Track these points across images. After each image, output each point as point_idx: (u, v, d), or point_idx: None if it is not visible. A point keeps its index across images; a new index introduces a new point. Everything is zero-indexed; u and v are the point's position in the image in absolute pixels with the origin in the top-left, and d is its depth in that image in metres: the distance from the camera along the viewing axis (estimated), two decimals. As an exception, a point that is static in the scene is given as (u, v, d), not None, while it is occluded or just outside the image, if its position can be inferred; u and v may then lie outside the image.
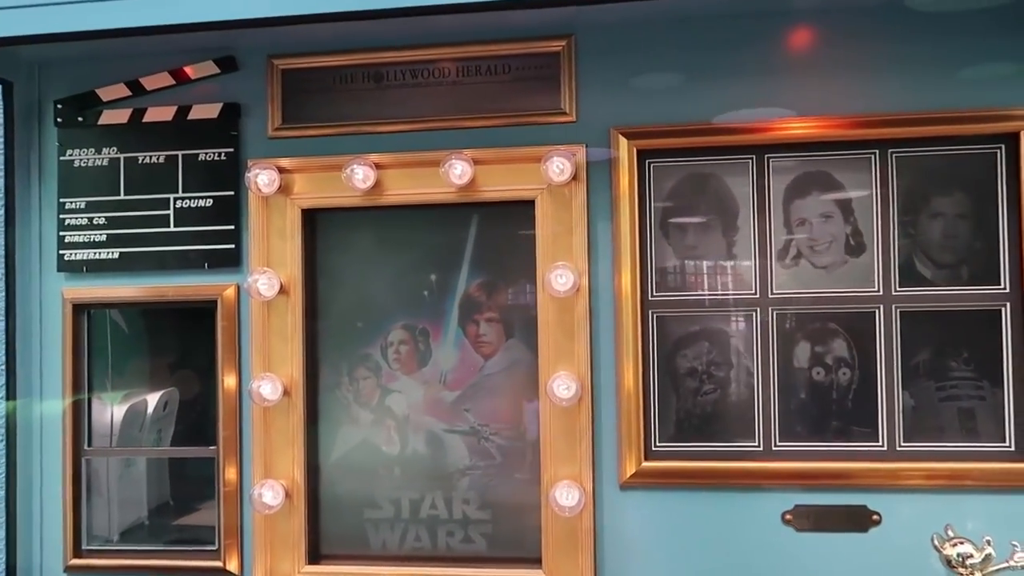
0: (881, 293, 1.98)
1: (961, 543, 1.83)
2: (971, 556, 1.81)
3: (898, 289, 1.97)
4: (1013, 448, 1.93)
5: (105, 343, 2.29)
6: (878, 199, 1.98)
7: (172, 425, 2.41)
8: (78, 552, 2.17)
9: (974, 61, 1.93)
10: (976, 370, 1.96)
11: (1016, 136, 1.90)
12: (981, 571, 1.81)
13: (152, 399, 2.37)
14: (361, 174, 1.99)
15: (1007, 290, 1.94)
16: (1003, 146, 1.93)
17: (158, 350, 2.45)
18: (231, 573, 2.09)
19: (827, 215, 2.00)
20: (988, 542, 1.81)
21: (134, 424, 2.32)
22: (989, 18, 1.92)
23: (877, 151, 1.98)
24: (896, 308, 1.97)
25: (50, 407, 2.19)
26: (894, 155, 1.98)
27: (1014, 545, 1.81)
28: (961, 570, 1.82)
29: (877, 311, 1.98)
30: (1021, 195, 1.91)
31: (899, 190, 1.98)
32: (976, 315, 1.96)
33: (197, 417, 2.36)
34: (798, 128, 1.98)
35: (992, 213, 1.95)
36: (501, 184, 2.02)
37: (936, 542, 1.85)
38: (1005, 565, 1.81)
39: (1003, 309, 1.94)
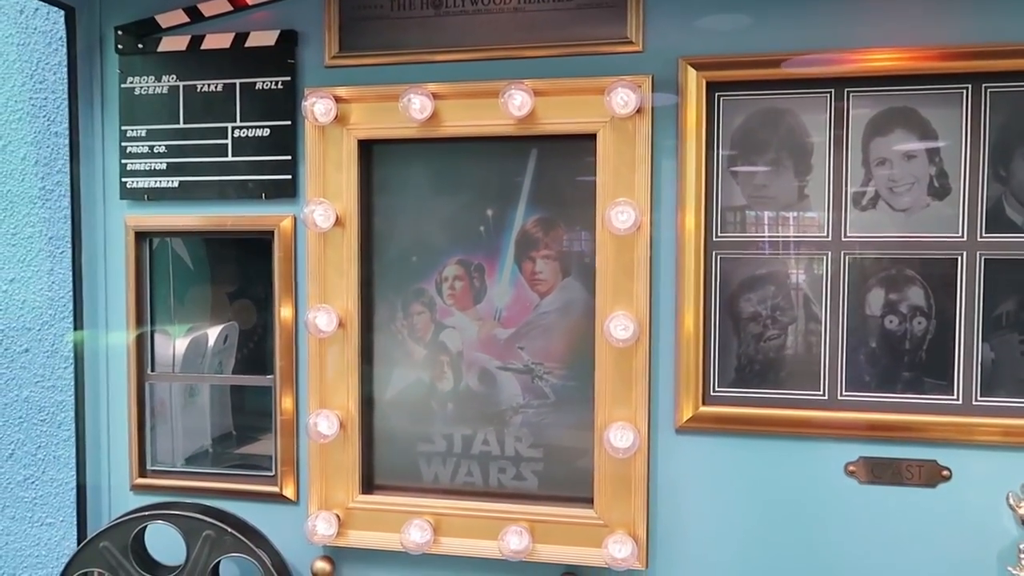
0: (965, 239, 1.85)
1: (1037, 503, 1.75)
2: (1047, 516, 1.74)
3: (984, 235, 1.84)
4: (1099, 406, 1.82)
5: (167, 275, 2.32)
6: (967, 138, 1.84)
7: (232, 358, 2.45)
8: (143, 472, 2.24)
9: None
10: (1065, 323, 1.84)
11: None
12: (1056, 533, 1.74)
13: (213, 332, 2.41)
14: (418, 104, 1.94)
15: (1104, 238, 1.80)
16: (1110, 80, 1.77)
17: (219, 281, 2.48)
18: (288, 498, 2.14)
19: (910, 154, 1.87)
20: (1067, 503, 1.73)
21: (195, 356, 2.36)
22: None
23: (970, 85, 1.83)
24: (981, 255, 1.84)
25: (115, 335, 2.24)
26: (988, 90, 1.82)
27: (1093, 506, 1.73)
28: (1035, 530, 1.75)
29: (960, 258, 1.85)
30: None
31: (992, 128, 1.83)
32: (1068, 264, 1.83)
33: (256, 349, 2.39)
34: (881, 60, 1.83)
35: (1094, 154, 1.80)
36: (562, 116, 1.94)
37: (1012, 500, 1.77)
38: (1083, 527, 1.73)
39: (1099, 258, 1.81)
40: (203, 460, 2.39)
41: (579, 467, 2.01)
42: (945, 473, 1.87)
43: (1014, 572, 1.75)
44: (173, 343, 2.33)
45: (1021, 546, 1.74)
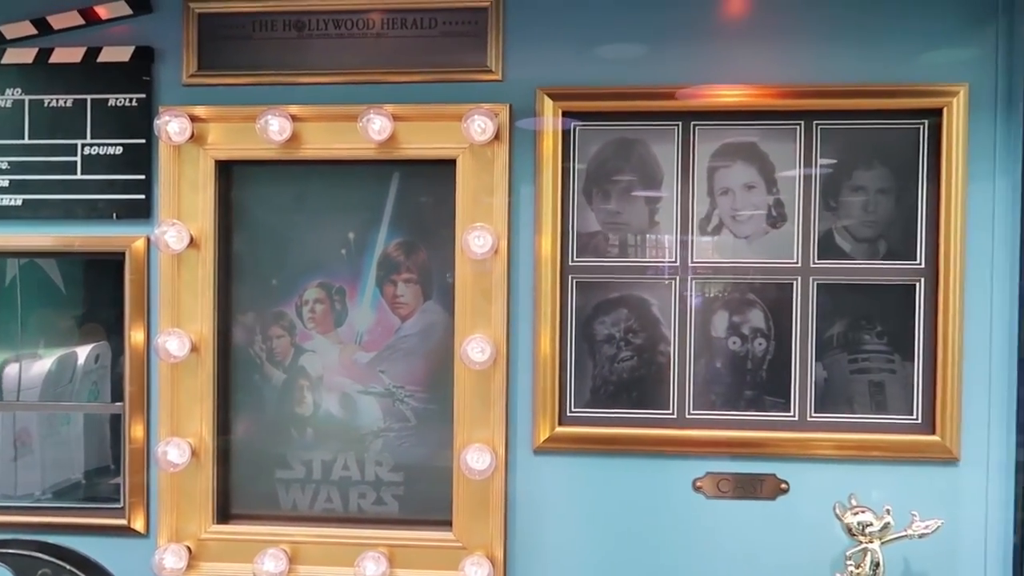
0: (800, 265, 1.98)
1: (862, 511, 1.87)
2: (870, 524, 1.85)
3: (816, 261, 1.98)
4: (920, 420, 1.96)
5: (13, 297, 2.20)
6: (801, 171, 1.98)
7: (108, 379, 2.31)
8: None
9: (901, 37, 1.92)
10: (889, 344, 1.98)
11: (939, 112, 1.91)
12: (880, 539, 1.86)
13: (83, 352, 2.29)
14: (276, 126, 1.93)
15: (922, 266, 1.95)
16: (926, 122, 1.94)
17: (68, 305, 2.36)
18: (136, 531, 2.05)
19: (750, 185, 1.99)
20: (887, 511, 1.86)
21: (61, 379, 2.25)
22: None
23: (802, 122, 1.97)
24: (814, 280, 1.98)
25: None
26: (819, 127, 1.97)
27: (913, 514, 1.86)
28: (861, 538, 1.86)
29: (795, 282, 1.98)
30: (940, 172, 1.92)
31: (822, 163, 1.97)
32: (891, 290, 1.97)
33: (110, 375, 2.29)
34: (725, 96, 1.96)
35: (912, 189, 1.96)
36: (423, 142, 1.97)
37: (837, 510, 1.88)
38: (903, 533, 1.85)
39: (917, 284, 1.96)
40: (74, 493, 2.26)
41: (439, 490, 2.02)
42: (784, 486, 1.98)
43: (842, 578, 1.87)
44: (19, 367, 2.21)
45: (847, 553, 1.86)
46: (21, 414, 2.16)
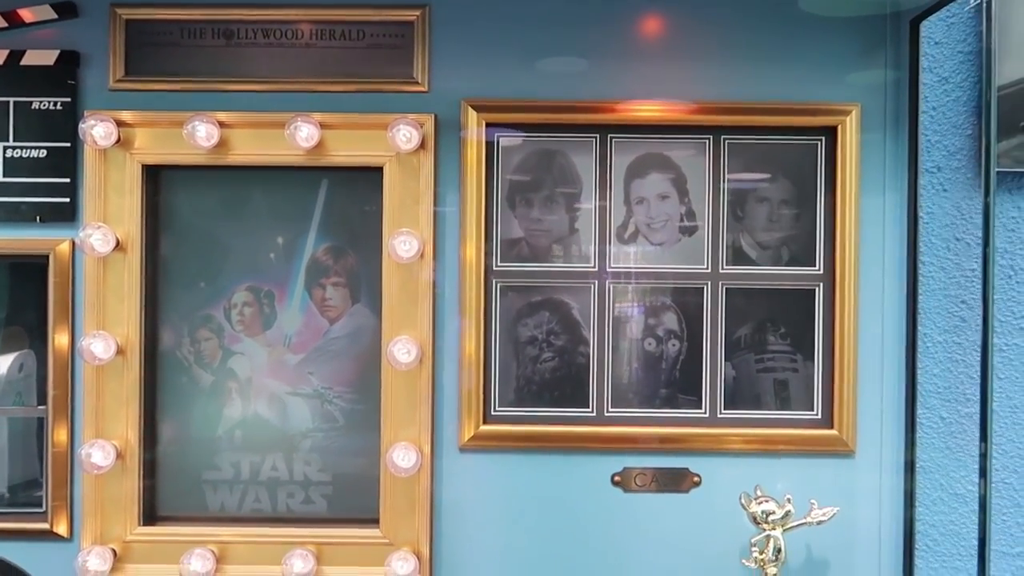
0: (710, 270, 2.11)
1: (765, 501, 2.00)
2: (773, 513, 1.98)
3: (725, 267, 2.11)
4: (820, 416, 2.11)
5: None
6: (710, 182, 2.11)
7: (33, 388, 2.22)
8: None
9: (801, 60, 2.07)
10: (791, 344, 2.12)
11: (834, 130, 2.06)
12: (782, 526, 1.99)
13: (4, 361, 2.22)
14: (204, 131, 1.96)
15: (821, 272, 2.10)
16: (823, 138, 2.09)
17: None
18: (60, 535, 2.04)
19: (664, 195, 2.11)
20: (788, 500, 1.99)
21: None
22: (820, 21, 2.06)
23: (711, 136, 2.10)
24: (723, 285, 2.11)
25: None
26: (726, 141, 2.10)
27: (812, 503, 2.00)
28: (765, 525, 1.99)
29: (706, 287, 2.11)
30: (836, 185, 2.07)
31: (729, 174, 2.11)
32: (793, 294, 2.11)
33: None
34: (640, 110, 2.07)
35: (811, 201, 2.11)
36: (350, 150, 2.02)
37: (743, 500, 2.01)
38: (803, 521, 1.99)
39: (817, 289, 2.10)
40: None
41: (367, 489, 2.07)
42: (696, 479, 2.10)
43: (747, 564, 1.99)
44: None
45: (752, 540, 1.99)
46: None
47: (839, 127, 2.05)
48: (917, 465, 2.10)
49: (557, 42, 2.07)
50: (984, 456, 1.88)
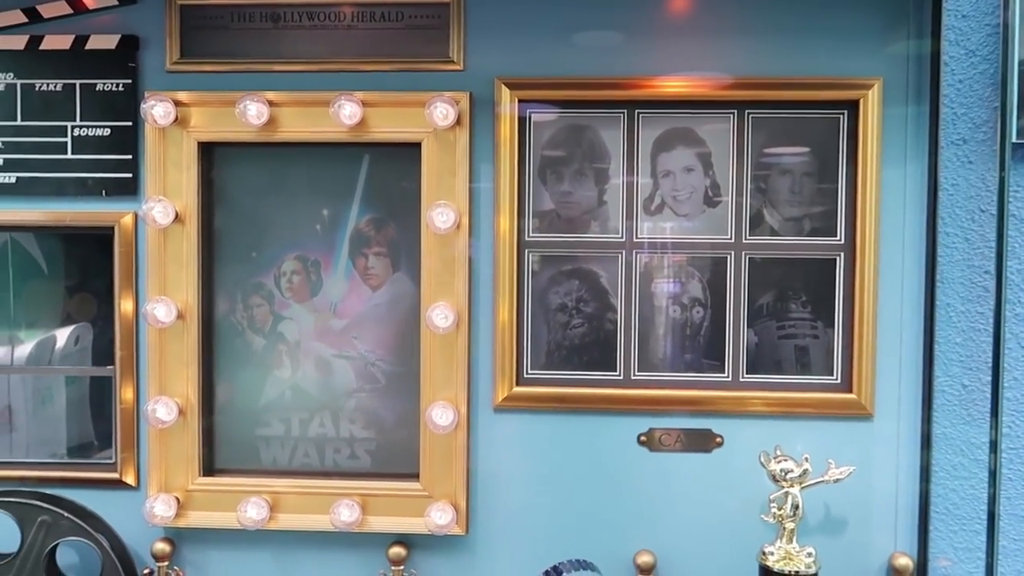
0: (733, 241, 2.19)
1: (784, 460, 2.09)
2: (791, 471, 2.07)
3: (748, 237, 2.19)
4: (839, 381, 2.19)
5: (5, 271, 2.33)
6: (734, 155, 2.18)
7: (88, 361, 2.41)
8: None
9: (824, 35, 2.12)
10: (812, 312, 2.20)
11: (856, 104, 2.11)
12: (800, 484, 2.08)
13: (62, 334, 2.40)
14: (254, 110, 2.09)
15: (842, 242, 2.17)
16: (845, 112, 2.14)
17: (59, 276, 2.49)
18: (128, 484, 2.22)
19: (689, 168, 2.20)
20: (806, 459, 2.08)
21: (41, 360, 2.35)
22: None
23: (736, 111, 2.17)
24: (745, 255, 2.19)
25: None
26: (750, 115, 2.17)
27: (829, 462, 2.09)
28: (783, 483, 2.08)
29: (729, 257, 2.19)
30: (857, 158, 2.13)
31: (753, 148, 2.18)
32: (814, 263, 2.18)
33: (108, 349, 2.39)
34: (667, 86, 2.15)
35: (833, 173, 2.17)
36: (390, 126, 2.14)
37: (762, 459, 2.11)
38: (820, 479, 2.08)
39: (838, 259, 2.17)
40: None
41: (407, 445, 2.21)
42: (719, 440, 2.20)
43: (766, 519, 2.09)
44: (12, 349, 2.32)
45: (771, 497, 2.09)
46: (3, 392, 2.27)
47: (861, 100, 2.10)
48: (936, 430, 2.17)
49: (587, 21, 2.15)
50: (995, 429, 1.95)
